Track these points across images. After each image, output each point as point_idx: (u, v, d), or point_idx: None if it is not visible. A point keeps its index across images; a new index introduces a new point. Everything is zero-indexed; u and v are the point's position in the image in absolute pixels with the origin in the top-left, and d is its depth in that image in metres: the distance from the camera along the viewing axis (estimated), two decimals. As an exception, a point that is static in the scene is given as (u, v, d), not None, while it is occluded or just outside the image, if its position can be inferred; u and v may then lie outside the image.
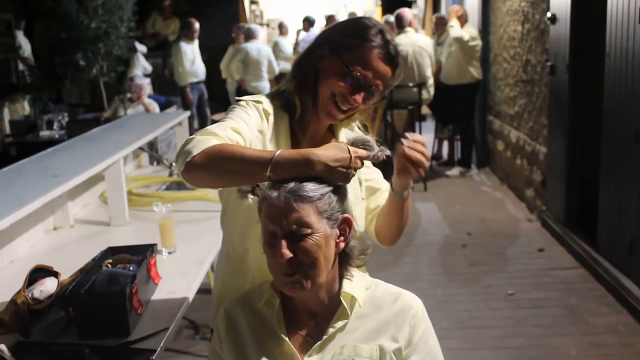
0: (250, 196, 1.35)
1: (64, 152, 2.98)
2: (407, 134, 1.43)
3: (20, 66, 8.40)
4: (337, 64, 1.47)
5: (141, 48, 8.27)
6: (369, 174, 1.65)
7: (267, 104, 1.53)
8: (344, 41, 1.48)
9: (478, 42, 6.56)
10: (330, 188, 1.29)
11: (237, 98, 1.56)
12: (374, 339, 1.34)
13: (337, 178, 1.28)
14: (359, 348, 1.32)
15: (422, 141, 1.42)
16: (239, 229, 1.55)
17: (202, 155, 1.30)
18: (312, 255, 1.26)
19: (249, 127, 1.46)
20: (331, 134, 1.62)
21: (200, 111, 8.08)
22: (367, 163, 1.55)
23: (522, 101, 5.71)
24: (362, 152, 1.31)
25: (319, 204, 1.27)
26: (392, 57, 1.51)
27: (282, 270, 1.27)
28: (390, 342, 1.33)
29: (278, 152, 1.27)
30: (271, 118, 1.51)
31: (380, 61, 1.49)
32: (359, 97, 1.47)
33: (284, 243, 1.25)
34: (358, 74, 1.46)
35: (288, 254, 1.25)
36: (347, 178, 1.29)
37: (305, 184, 1.26)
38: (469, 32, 6.53)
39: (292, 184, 1.26)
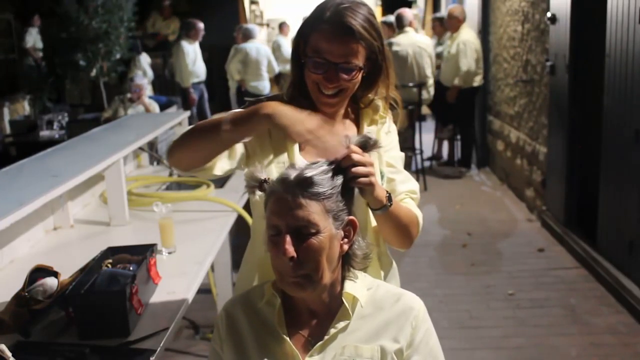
0: (258, 192, 1.34)
1: (64, 152, 2.98)
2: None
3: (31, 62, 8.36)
4: (304, 53, 1.49)
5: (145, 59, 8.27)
6: (393, 173, 1.59)
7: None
8: (305, 31, 1.50)
9: (478, 53, 6.56)
10: (339, 183, 1.28)
11: (246, 99, 1.60)
12: (375, 339, 1.33)
13: (288, 126, 1.34)
14: (360, 348, 1.32)
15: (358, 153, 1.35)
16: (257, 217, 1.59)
17: (179, 138, 1.48)
18: (316, 255, 1.25)
19: None
20: (355, 124, 1.60)
21: (200, 111, 8.09)
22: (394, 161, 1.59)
23: (522, 101, 5.71)
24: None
25: (327, 202, 1.26)
26: (347, 28, 1.41)
27: (285, 270, 1.27)
28: (391, 343, 1.33)
29: (229, 111, 1.42)
30: None
31: (334, 38, 1.42)
32: (335, 79, 1.45)
33: (288, 239, 1.24)
34: (318, 59, 1.44)
35: (292, 250, 1.24)
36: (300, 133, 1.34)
37: (314, 178, 1.26)
38: (466, 40, 6.51)
39: (301, 178, 1.25)
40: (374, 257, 1.55)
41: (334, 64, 1.44)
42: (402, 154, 1.65)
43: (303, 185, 1.25)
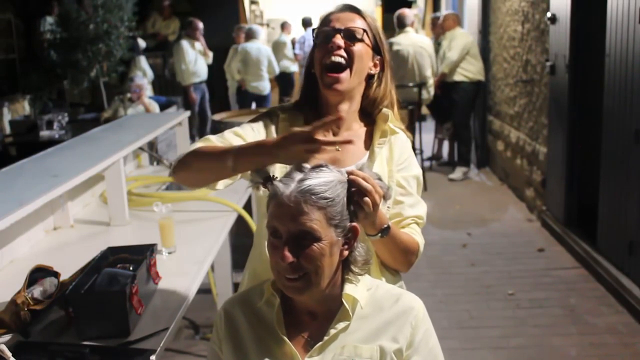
0: (262, 189, 1.33)
1: (64, 152, 2.98)
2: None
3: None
4: (315, 50, 1.58)
5: (141, 44, 8.26)
6: (403, 195, 1.57)
7: (284, 108, 1.63)
8: (316, 30, 1.60)
9: (469, 46, 6.62)
10: (343, 191, 1.26)
11: (267, 108, 1.73)
12: (374, 339, 1.33)
13: (294, 156, 1.29)
14: (359, 348, 1.31)
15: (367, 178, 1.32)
16: (260, 215, 1.62)
17: (185, 157, 1.49)
18: (315, 262, 1.24)
19: (256, 133, 1.58)
20: (367, 134, 1.61)
21: (201, 111, 8.10)
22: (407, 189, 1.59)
23: (522, 101, 5.71)
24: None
25: (330, 210, 1.24)
26: (352, 6, 1.58)
27: (284, 273, 1.26)
28: (390, 343, 1.33)
29: (237, 145, 1.42)
30: (284, 121, 1.60)
31: (338, 10, 1.57)
32: (339, 41, 1.51)
33: (286, 245, 1.24)
34: (324, 28, 1.55)
35: (290, 257, 1.23)
36: (304, 153, 1.28)
37: (318, 188, 1.23)
38: (460, 43, 6.57)
39: (304, 184, 1.23)
40: (376, 268, 1.55)
41: (337, 29, 1.53)
42: (418, 173, 1.63)
43: (305, 190, 1.23)
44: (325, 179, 1.25)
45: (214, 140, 1.53)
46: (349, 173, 1.31)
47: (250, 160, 1.37)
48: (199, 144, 1.52)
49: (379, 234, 1.43)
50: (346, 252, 1.31)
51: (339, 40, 1.52)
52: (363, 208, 1.31)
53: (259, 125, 1.60)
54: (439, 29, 7.31)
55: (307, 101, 1.61)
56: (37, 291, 1.77)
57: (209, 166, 1.46)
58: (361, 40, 1.53)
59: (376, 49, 1.58)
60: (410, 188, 1.59)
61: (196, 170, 1.49)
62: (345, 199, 1.28)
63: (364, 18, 1.56)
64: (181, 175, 1.52)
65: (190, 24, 7.93)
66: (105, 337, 1.69)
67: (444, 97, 6.71)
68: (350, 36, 1.53)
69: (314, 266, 1.25)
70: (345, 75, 1.53)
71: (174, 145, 4.78)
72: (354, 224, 1.30)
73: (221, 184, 1.53)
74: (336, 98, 1.56)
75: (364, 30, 1.54)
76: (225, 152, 1.42)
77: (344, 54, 1.52)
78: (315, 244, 1.24)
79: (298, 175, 1.26)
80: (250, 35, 8.03)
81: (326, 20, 1.57)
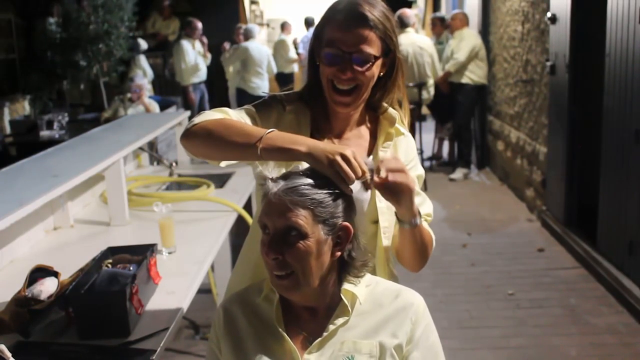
0: None
1: (64, 152, 2.98)
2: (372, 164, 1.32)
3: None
4: (320, 51, 1.48)
5: (143, 44, 8.26)
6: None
7: (290, 99, 1.56)
8: (319, 29, 1.49)
9: (477, 49, 6.62)
10: (331, 191, 1.26)
11: (270, 93, 1.60)
12: (374, 335, 1.33)
13: (322, 167, 1.26)
14: (359, 344, 1.31)
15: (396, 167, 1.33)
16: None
17: (203, 124, 1.40)
18: (302, 261, 1.25)
19: (266, 118, 1.51)
20: (371, 133, 1.58)
21: (201, 111, 8.09)
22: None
23: (522, 101, 5.71)
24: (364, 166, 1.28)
25: (317, 208, 1.25)
26: (361, 15, 1.41)
27: (272, 269, 1.27)
28: (390, 339, 1.33)
29: (273, 129, 1.33)
30: (291, 114, 1.53)
31: (347, 26, 1.42)
32: (348, 69, 1.43)
33: (272, 241, 1.25)
34: (332, 50, 1.43)
35: (273, 252, 1.25)
36: (331, 167, 1.25)
37: (305, 184, 1.25)
38: (469, 44, 6.57)
39: (292, 183, 1.25)
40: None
41: (347, 53, 1.42)
42: (422, 172, 1.62)
43: (292, 188, 1.24)
44: (313, 181, 1.26)
45: (231, 115, 1.45)
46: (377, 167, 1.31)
47: (280, 151, 1.30)
48: (218, 115, 1.43)
49: (416, 220, 1.40)
50: (338, 253, 1.31)
51: (349, 69, 1.42)
52: (401, 190, 1.32)
53: (270, 114, 1.53)
54: (439, 29, 7.31)
55: (313, 95, 1.54)
56: (37, 291, 1.77)
57: (232, 142, 1.35)
58: (372, 66, 1.45)
59: (386, 51, 1.49)
60: (417, 187, 1.58)
61: (216, 142, 1.37)
62: (334, 198, 1.27)
63: (374, 27, 1.42)
64: (194, 142, 1.41)
65: (189, 24, 7.94)
66: (105, 337, 1.69)
67: (447, 97, 6.71)
68: (361, 61, 1.43)
69: (300, 265, 1.25)
70: (353, 98, 1.47)
71: (174, 145, 4.78)
72: (346, 223, 1.29)
73: (225, 163, 1.46)
74: (342, 109, 1.51)
75: (375, 57, 1.44)
76: (254, 134, 1.33)
77: (353, 79, 1.44)
78: (301, 242, 1.24)
79: (289, 175, 1.28)
80: (248, 35, 8.04)
81: (332, 38, 1.43)
